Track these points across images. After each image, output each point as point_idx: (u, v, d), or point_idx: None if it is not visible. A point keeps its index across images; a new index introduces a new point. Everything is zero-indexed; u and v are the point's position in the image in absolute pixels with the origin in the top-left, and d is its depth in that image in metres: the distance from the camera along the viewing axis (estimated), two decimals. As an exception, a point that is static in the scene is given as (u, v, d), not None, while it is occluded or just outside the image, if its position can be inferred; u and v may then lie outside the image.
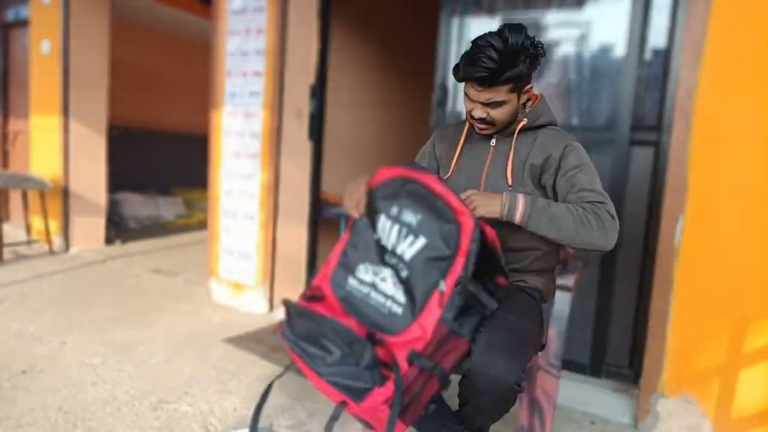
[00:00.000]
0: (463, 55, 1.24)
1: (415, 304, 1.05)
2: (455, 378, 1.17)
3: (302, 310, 1.10)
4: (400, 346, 1.03)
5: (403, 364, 1.00)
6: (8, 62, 5.16)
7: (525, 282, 1.37)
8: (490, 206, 1.16)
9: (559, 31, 2.30)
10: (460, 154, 1.40)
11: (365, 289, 1.11)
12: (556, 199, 1.28)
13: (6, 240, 4.12)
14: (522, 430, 1.64)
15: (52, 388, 1.99)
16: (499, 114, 1.26)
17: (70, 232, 4.30)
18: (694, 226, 1.83)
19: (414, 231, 1.09)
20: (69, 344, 2.41)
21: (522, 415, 1.63)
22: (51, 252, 4.19)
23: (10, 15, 4.95)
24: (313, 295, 1.16)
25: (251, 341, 2.60)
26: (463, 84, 1.30)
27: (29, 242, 4.35)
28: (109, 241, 4.63)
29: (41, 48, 4.30)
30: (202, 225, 5.90)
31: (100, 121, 4.40)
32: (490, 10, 2.45)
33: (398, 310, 1.06)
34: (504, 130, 1.34)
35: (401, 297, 1.07)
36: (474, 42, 1.21)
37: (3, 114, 5.23)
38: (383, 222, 1.13)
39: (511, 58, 1.16)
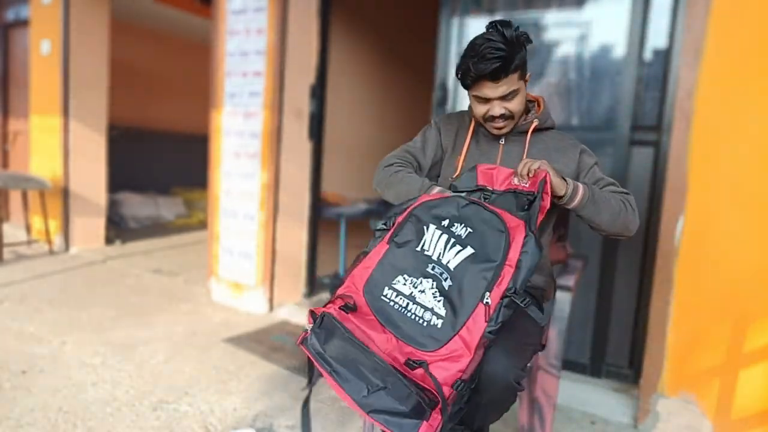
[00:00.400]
0: (464, 59, 1.23)
1: (456, 317, 1.01)
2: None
3: (343, 332, 1.06)
4: (441, 367, 1.00)
5: (447, 390, 0.98)
6: (8, 62, 5.16)
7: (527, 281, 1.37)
8: (559, 181, 1.17)
9: (559, 31, 2.29)
10: (467, 150, 1.39)
11: (403, 302, 1.08)
12: None
13: (6, 240, 4.12)
14: (522, 430, 1.64)
15: (52, 388, 1.99)
16: (515, 105, 1.27)
17: (70, 232, 4.30)
18: (694, 226, 1.83)
19: (462, 242, 1.08)
20: (69, 344, 2.41)
21: (522, 415, 1.63)
22: (51, 252, 4.19)
23: (10, 15, 4.95)
24: (346, 305, 1.12)
25: (251, 341, 2.60)
26: (466, 91, 1.31)
27: (29, 242, 4.35)
28: (109, 241, 4.63)
29: (41, 48, 4.30)
30: (202, 225, 5.90)
31: (100, 121, 4.40)
32: (490, 10, 2.45)
33: (437, 322, 1.03)
34: (514, 128, 1.35)
35: (441, 309, 1.03)
36: (473, 43, 1.22)
37: (3, 114, 5.23)
38: (432, 232, 1.12)
39: (513, 47, 1.20)
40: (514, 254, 1.03)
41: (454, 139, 1.43)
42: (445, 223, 1.12)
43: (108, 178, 4.56)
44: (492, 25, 1.22)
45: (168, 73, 6.61)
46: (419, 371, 1.00)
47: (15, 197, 4.90)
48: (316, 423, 1.86)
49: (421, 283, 1.08)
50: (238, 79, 3.11)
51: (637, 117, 2.13)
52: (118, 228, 5.37)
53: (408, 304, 1.07)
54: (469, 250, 1.06)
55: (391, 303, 1.09)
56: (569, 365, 2.30)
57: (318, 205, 3.30)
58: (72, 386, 2.02)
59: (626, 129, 2.13)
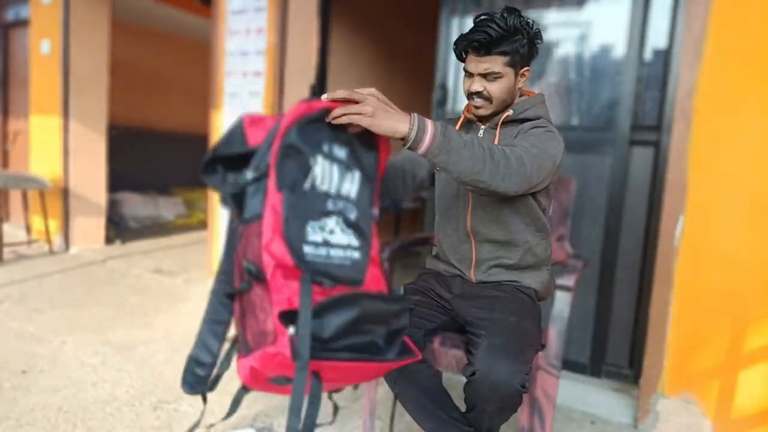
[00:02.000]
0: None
1: (366, 240, 1.00)
2: (459, 379, 1.17)
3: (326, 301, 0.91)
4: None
5: None
6: (8, 62, 5.16)
7: (518, 282, 1.37)
8: (395, 123, 0.98)
9: (559, 31, 2.29)
10: None
11: (323, 251, 0.96)
12: None
13: (6, 240, 4.12)
14: (522, 430, 1.64)
15: (52, 388, 1.99)
16: (495, 89, 1.27)
17: (70, 232, 4.30)
18: (694, 226, 1.83)
19: (349, 165, 1.00)
20: (69, 344, 2.41)
21: (522, 415, 1.63)
22: (51, 252, 4.19)
23: (10, 15, 4.95)
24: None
25: (251, 341, 2.59)
26: (462, 74, 1.32)
27: (29, 242, 4.35)
28: (109, 240, 4.63)
29: (41, 48, 4.30)
30: (202, 225, 5.89)
31: (100, 121, 4.40)
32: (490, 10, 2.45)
33: (356, 255, 0.98)
34: (497, 115, 1.33)
35: (354, 240, 0.99)
36: (474, 19, 1.27)
37: (3, 114, 5.23)
38: (321, 163, 0.96)
39: (510, 33, 1.22)
40: (382, 166, 1.06)
41: None
42: (326, 148, 0.97)
43: (108, 178, 4.56)
44: (503, 9, 1.25)
45: (168, 73, 6.61)
46: None
47: (15, 197, 4.89)
48: (316, 423, 1.86)
49: (325, 223, 0.96)
50: (238, 78, 3.11)
51: (637, 117, 2.13)
52: (118, 228, 5.37)
53: (328, 251, 0.97)
54: (358, 173, 1.01)
55: (316, 259, 0.95)
56: (569, 365, 2.30)
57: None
58: (72, 386, 2.02)
59: (626, 129, 2.13)
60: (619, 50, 2.16)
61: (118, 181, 5.42)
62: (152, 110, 6.47)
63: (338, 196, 0.98)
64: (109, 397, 1.95)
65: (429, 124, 1.01)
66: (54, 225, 4.29)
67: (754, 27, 1.72)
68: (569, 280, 1.55)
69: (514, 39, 1.22)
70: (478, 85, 1.27)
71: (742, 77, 1.74)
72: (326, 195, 0.97)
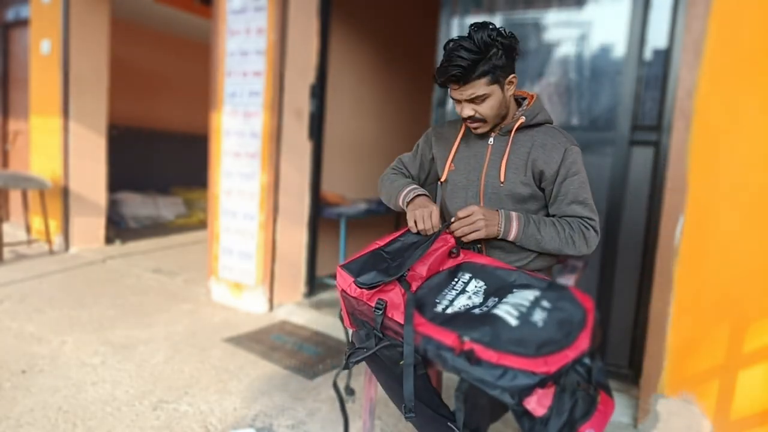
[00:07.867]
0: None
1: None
2: (453, 377, 1.17)
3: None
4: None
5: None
6: (8, 62, 5.16)
7: None
8: (490, 227, 1.26)
9: (559, 31, 2.29)
10: (456, 151, 1.41)
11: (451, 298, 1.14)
12: (547, 199, 1.35)
13: (6, 240, 4.12)
14: (523, 430, 1.64)
15: (52, 388, 1.99)
16: (485, 108, 1.27)
17: (70, 231, 4.30)
18: (694, 226, 1.83)
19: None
20: (69, 344, 2.41)
21: (522, 415, 1.62)
22: (51, 252, 4.19)
23: (10, 15, 4.95)
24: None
25: (251, 341, 2.60)
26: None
27: (29, 242, 4.35)
28: (108, 240, 4.63)
29: (41, 48, 4.30)
30: (202, 225, 5.90)
31: (100, 121, 4.40)
32: (491, 10, 2.45)
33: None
34: (499, 126, 1.34)
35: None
36: (446, 44, 1.25)
37: (3, 114, 5.23)
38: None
39: (482, 53, 1.20)
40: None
41: (444, 145, 1.45)
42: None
43: (108, 178, 4.56)
44: (470, 27, 1.23)
45: (168, 73, 6.61)
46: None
47: (15, 197, 4.90)
48: (316, 422, 1.86)
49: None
50: (238, 78, 3.11)
51: (637, 117, 2.13)
52: (118, 228, 5.37)
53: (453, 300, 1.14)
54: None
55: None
56: (569, 365, 2.30)
57: (318, 205, 3.30)
58: (72, 386, 2.02)
59: (626, 129, 2.13)
60: (619, 50, 2.16)
61: (118, 181, 5.43)
62: (152, 110, 6.47)
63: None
64: (109, 397, 1.95)
65: (514, 220, 1.27)
66: (54, 225, 4.30)
67: (754, 27, 1.72)
68: (569, 280, 1.55)
69: (488, 57, 1.20)
70: (468, 110, 1.27)
71: (742, 77, 1.74)
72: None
